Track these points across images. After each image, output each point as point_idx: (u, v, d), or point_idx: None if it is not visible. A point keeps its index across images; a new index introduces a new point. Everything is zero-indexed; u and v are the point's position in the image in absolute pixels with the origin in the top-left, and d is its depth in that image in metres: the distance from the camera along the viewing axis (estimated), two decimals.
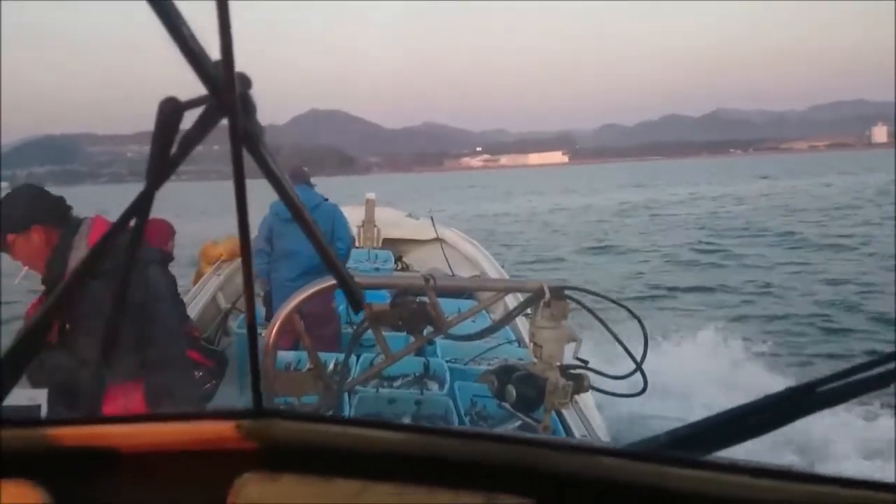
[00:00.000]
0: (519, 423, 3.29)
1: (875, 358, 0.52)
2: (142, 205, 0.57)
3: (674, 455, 0.50)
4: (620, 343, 2.59)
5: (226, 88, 0.48)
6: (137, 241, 0.61)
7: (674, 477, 0.49)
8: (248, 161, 0.53)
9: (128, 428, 0.55)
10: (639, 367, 2.60)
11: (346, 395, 3.14)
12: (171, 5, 0.45)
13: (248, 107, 0.51)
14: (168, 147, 0.54)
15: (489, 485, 0.51)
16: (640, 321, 2.65)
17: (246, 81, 0.51)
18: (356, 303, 0.71)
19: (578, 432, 3.14)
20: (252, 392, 0.57)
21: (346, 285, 0.69)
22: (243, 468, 0.53)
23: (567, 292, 2.65)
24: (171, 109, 0.53)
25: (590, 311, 2.63)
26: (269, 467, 0.53)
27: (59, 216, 2.34)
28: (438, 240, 7.41)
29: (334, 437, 0.54)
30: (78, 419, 0.56)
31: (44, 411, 1.75)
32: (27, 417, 0.54)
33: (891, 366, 0.51)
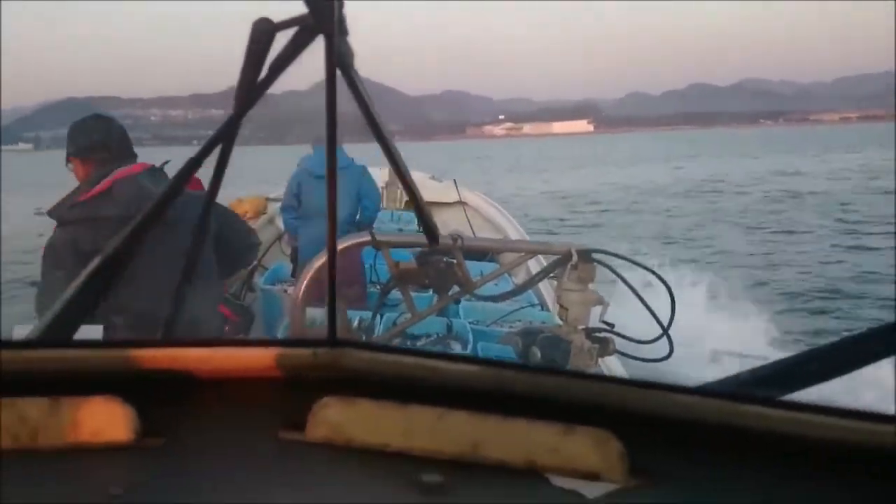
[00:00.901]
0: None
1: None
2: (229, 130, 0.57)
3: (752, 394, 0.50)
4: (648, 307, 2.58)
5: (325, 6, 0.47)
6: (222, 168, 0.60)
7: (752, 415, 0.49)
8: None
9: (208, 352, 0.55)
10: (665, 331, 2.60)
11: None
12: None
13: (343, 28, 0.50)
14: (258, 69, 0.54)
15: (565, 417, 0.51)
16: (667, 285, 2.64)
17: (342, 1, 0.50)
18: (433, 238, 0.71)
19: None
20: (328, 322, 0.58)
21: (425, 220, 0.69)
22: (321, 394, 0.54)
23: (595, 255, 2.64)
24: (263, 30, 0.52)
25: (617, 274, 2.62)
26: (345, 393, 0.54)
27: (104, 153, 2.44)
28: (461, 202, 7.39)
29: (408, 368, 0.55)
30: (161, 341, 0.57)
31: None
32: (116, 339, 0.55)
33: None
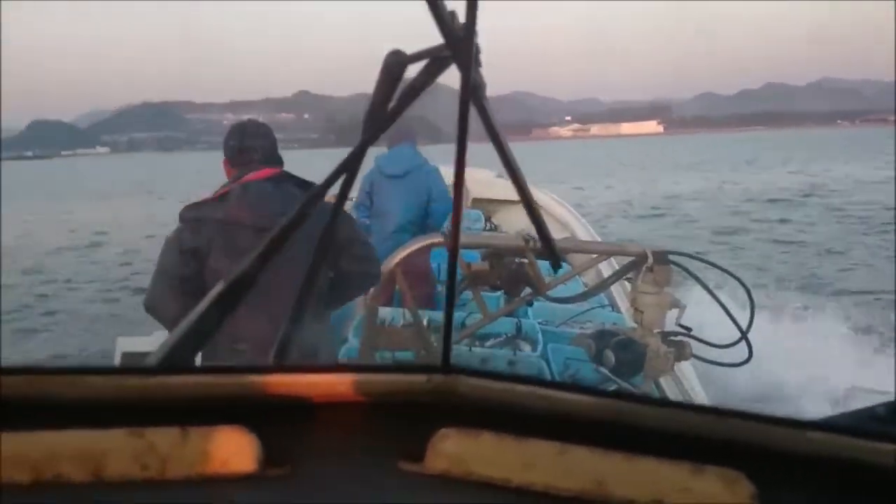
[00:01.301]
0: (615, 387, 3.26)
1: None
2: (357, 157, 0.57)
3: (885, 430, 0.47)
4: (726, 310, 2.52)
5: (463, 38, 0.47)
6: (345, 194, 0.61)
7: (885, 453, 0.46)
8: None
9: (323, 377, 0.56)
10: (744, 335, 2.52)
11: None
12: None
13: (477, 59, 0.51)
14: (388, 99, 0.55)
15: (693, 455, 0.49)
16: (747, 289, 2.57)
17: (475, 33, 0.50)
18: (557, 262, 0.71)
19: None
20: (443, 348, 0.58)
21: (549, 244, 0.68)
22: (437, 422, 0.54)
23: (671, 257, 2.58)
24: (395, 61, 0.53)
25: (695, 277, 2.56)
26: (461, 422, 0.54)
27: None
28: None
29: (524, 397, 0.54)
30: (278, 367, 0.58)
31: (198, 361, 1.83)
32: (241, 365, 0.56)
33: None
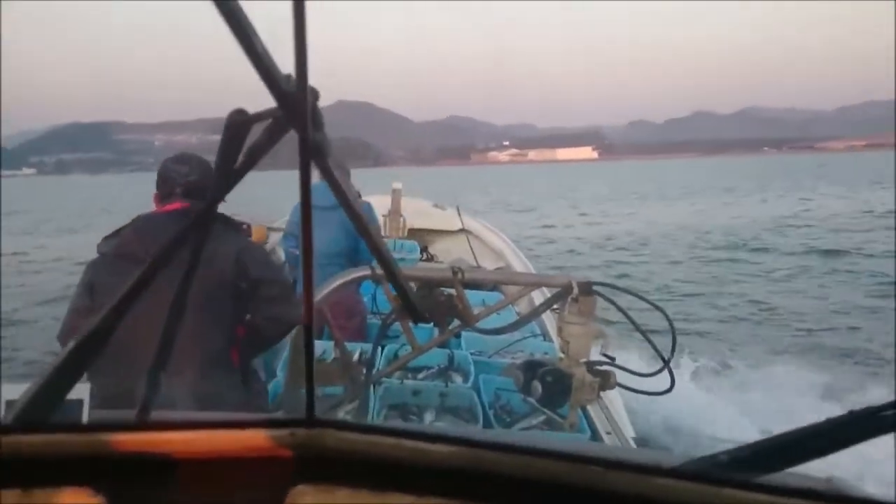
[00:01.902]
0: (543, 417, 3.28)
1: None
2: (206, 215, 0.57)
3: (732, 477, 0.49)
4: (649, 340, 2.57)
5: (297, 102, 0.47)
6: (199, 251, 0.60)
7: (731, 499, 0.48)
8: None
9: (182, 435, 0.55)
10: (666, 364, 2.58)
11: (370, 386, 3.15)
12: (244, 19, 0.44)
13: (316, 120, 0.51)
14: (234, 158, 0.54)
15: (546, 499, 0.50)
16: (668, 319, 2.63)
17: (314, 94, 0.50)
18: (416, 316, 0.71)
19: (603, 430, 3.12)
20: (307, 401, 0.57)
21: (404, 294, 0.69)
22: (296, 478, 0.53)
23: (595, 288, 2.63)
24: (238, 121, 0.53)
25: (618, 307, 2.61)
26: (321, 478, 0.53)
27: None
28: (464, 231, 7.40)
29: (387, 449, 0.54)
30: (132, 424, 0.57)
31: (86, 408, 1.75)
32: (87, 423, 0.54)
33: None
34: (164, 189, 2.44)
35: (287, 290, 2.53)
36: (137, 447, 0.53)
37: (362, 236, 0.62)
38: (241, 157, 0.55)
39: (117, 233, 2.35)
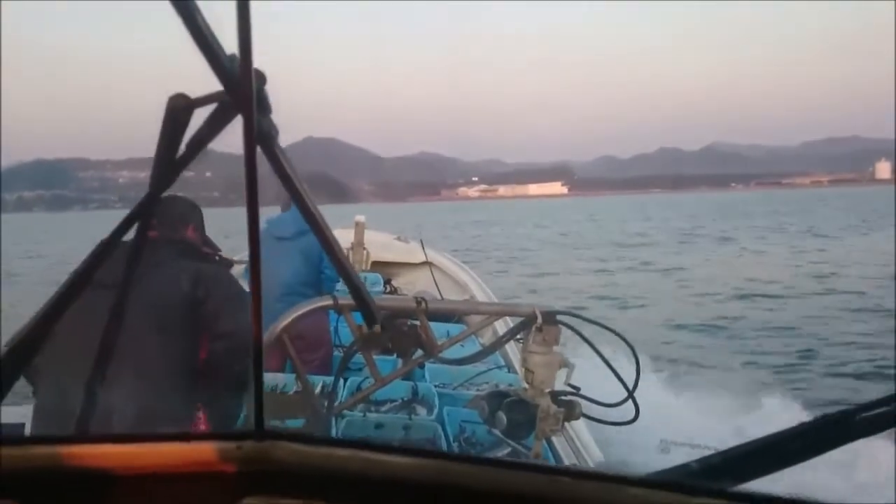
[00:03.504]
0: (509, 449, 3.24)
1: None
2: (146, 208, 0.54)
3: (704, 485, 0.48)
4: (612, 370, 2.57)
5: (242, 84, 0.45)
6: (141, 246, 0.58)
7: None
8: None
9: (122, 448, 0.51)
10: (630, 394, 2.58)
11: (332, 418, 3.08)
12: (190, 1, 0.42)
13: (263, 105, 0.49)
14: (175, 147, 0.52)
15: None
16: (632, 348, 2.64)
17: (261, 78, 0.48)
18: (372, 322, 0.69)
19: (569, 461, 3.09)
20: (255, 413, 0.54)
21: (365, 305, 0.67)
22: (244, 491, 0.50)
23: (559, 317, 2.63)
24: (180, 106, 0.51)
25: (582, 336, 2.61)
26: (270, 490, 0.50)
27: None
28: (428, 263, 7.38)
29: (337, 461, 0.51)
30: (70, 438, 0.53)
31: (27, 430, 1.69)
32: (13, 436, 0.51)
33: None
34: None
35: (245, 322, 2.47)
36: (75, 461, 0.50)
37: (315, 232, 0.60)
38: (182, 147, 0.52)
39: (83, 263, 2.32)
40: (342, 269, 0.62)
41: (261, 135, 0.49)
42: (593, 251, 30.68)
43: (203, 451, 0.52)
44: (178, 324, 2.34)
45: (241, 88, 0.45)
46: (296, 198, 0.54)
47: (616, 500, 0.48)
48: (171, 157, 0.52)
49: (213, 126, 0.51)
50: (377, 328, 2.63)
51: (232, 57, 0.44)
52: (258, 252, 0.52)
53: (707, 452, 0.51)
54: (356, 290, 0.63)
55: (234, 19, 0.41)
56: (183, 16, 0.42)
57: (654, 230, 42.35)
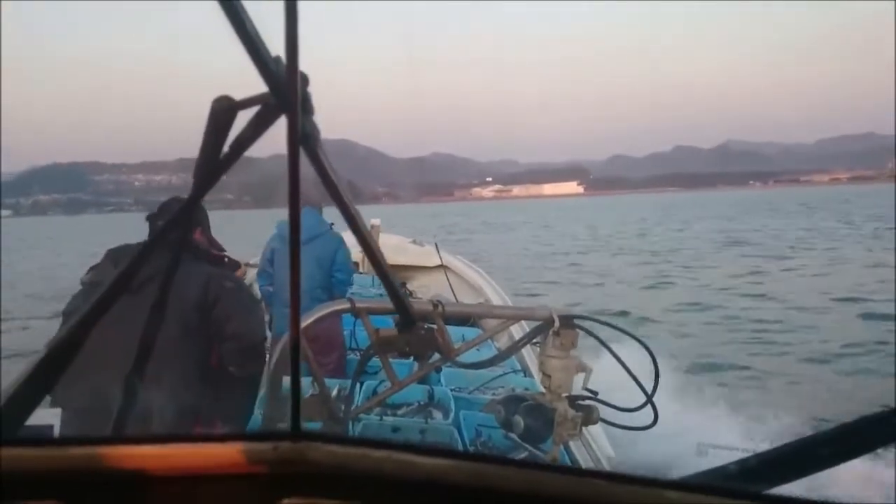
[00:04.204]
0: (525, 454, 3.22)
1: None
2: (190, 208, 0.54)
3: (741, 488, 0.47)
4: (631, 374, 2.55)
5: (288, 86, 0.45)
6: (183, 247, 0.58)
7: None
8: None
9: (161, 449, 0.51)
10: (649, 399, 2.55)
11: (349, 422, 3.08)
12: (237, 2, 0.42)
13: (307, 106, 0.49)
14: (219, 148, 0.52)
15: None
16: (650, 352, 2.61)
17: (305, 80, 0.48)
18: (409, 324, 0.68)
19: (585, 465, 3.07)
20: (291, 414, 0.54)
21: (403, 307, 0.66)
22: (282, 492, 0.50)
23: (577, 321, 2.61)
24: (224, 108, 0.51)
25: (600, 340, 2.59)
26: (307, 491, 0.50)
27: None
28: (443, 266, 7.38)
29: (373, 462, 0.51)
30: (108, 439, 0.53)
31: (56, 433, 1.70)
32: (53, 437, 0.51)
33: None
34: (152, 222, 2.50)
35: (253, 324, 2.50)
36: (110, 462, 0.50)
37: (354, 232, 0.59)
38: (226, 148, 0.52)
39: (95, 266, 2.39)
40: (381, 272, 0.61)
41: (304, 136, 0.49)
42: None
43: (239, 453, 0.51)
44: (190, 327, 2.38)
45: (287, 90, 0.45)
46: (336, 199, 0.54)
47: (653, 503, 0.47)
48: (214, 159, 0.52)
49: (258, 128, 0.51)
50: (394, 332, 2.63)
51: (277, 59, 0.44)
52: (298, 252, 0.52)
53: (744, 455, 0.50)
54: (394, 293, 0.63)
55: (271, 20, 0.41)
56: (231, 19, 0.42)
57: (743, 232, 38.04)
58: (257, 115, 0.50)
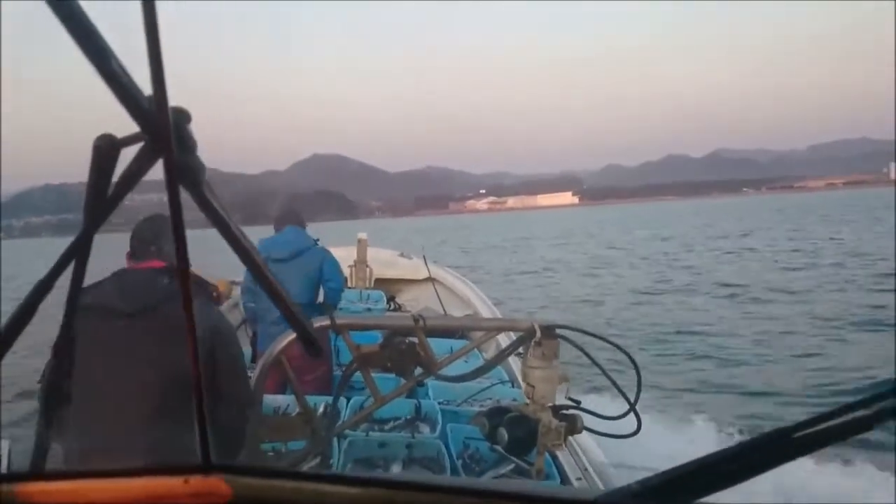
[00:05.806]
0: (512, 465, 3.22)
1: (855, 401, 0.49)
2: (80, 247, 0.55)
3: None
4: (614, 383, 2.55)
5: (158, 123, 0.45)
6: (78, 286, 0.58)
7: None
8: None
9: (70, 485, 0.51)
10: (632, 407, 2.56)
11: (335, 439, 3.07)
12: (98, 36, 0.42)
13: (185, 143, 0.48)
14: (105, 187, 0.52)
15: None
16: (633, 361, 2.62)
17: (183, 115, 0.48)
18: (313, 349, 0.67)
19: (573, 475, 3.07)
20: (199, 445, 0.53)
21: (304, 331, 0.66)
22: None
23: (558, 331, 2.61)
24: (106, 146, 0.51)
25: (582, 350, 2.59)
26: None
27: None
28: (431, 279, 7.39)
29: (288, 492, 0.51)
30: (18, 475, 0.53)
31: (4, 463, 1.69)
32: None
33: (870, 410, 0.48)
34: (140, 248, 2.45)
35: (246, 392, 2.42)
36: (22, 499, 0.50)
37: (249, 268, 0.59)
38: (112, 187, 0.53)
39: (97, 285, 2.33)
40: (273, 292, 0.62)
41: (184, 174, 0.49)
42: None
43: (150, 487, 0.51)
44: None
45: (158, 128, 0.45)
46: (229, 238, 0.54)
47: None
48: (102, 197, 0.53)
49: (140, 166, 0.51)
50: (375, 347, 2.63)
51: (150, 98, 0.44)
52: (189, 292, 0.52)
53: (647, 474, 0.51)
54: (291, 314, 0.63)
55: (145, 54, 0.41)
56: (95, 60, 0.42)
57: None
58: (137, 155, 0.50)
